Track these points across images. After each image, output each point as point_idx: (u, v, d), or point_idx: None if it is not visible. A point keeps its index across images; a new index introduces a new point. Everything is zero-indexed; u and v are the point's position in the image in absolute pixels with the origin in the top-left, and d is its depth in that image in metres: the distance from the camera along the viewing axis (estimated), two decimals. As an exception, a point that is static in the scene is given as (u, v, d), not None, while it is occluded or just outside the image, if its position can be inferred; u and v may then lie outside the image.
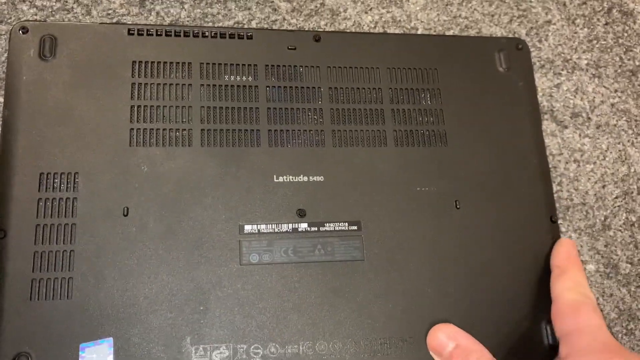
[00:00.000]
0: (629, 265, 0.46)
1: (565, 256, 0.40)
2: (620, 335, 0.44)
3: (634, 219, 0.47)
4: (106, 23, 0.43)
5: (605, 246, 0.46)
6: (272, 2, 0.48)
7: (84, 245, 0.36)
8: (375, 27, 0.49)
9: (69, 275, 0.36)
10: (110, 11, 0.45)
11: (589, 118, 0.50)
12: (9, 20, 0.43)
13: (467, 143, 0.44)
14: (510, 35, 0.51)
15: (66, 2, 0.44)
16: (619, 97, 0.51)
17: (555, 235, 0.43)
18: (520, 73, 0.47)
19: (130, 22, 0.45)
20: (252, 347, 0.36)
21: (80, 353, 0.35)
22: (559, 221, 0.46)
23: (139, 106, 0.40)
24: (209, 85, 0.41)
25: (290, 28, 0.47)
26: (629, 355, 0.32)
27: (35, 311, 0.35)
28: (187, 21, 0.46)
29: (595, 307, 0.36)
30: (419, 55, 0.45)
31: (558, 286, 0.38)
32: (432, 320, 0.39)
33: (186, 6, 0.46)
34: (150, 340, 0.35)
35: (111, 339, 0.35)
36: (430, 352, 0.37)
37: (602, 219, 0.47)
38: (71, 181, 0.38)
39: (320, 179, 0.41)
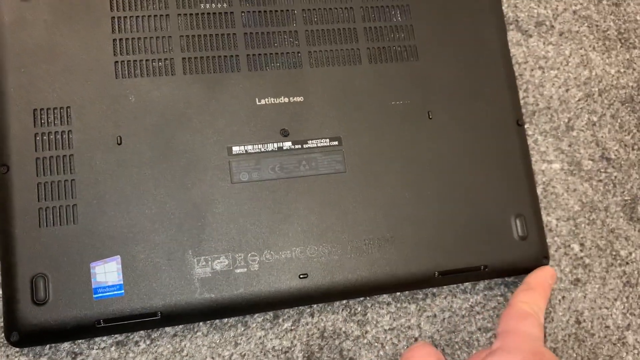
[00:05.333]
0: (591, 162, 0.50)
1: (540, 280, 0.42)
2: (583, 225, 0.48)
3: (595, 119, 0.51)
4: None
5: (569, 146, 0.50)
6: None
7: (84, 174, 0.39)
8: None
9: (73, 203, 0.38)
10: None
11: (552, 26, 0.52)
12: (-19, -38, 0.44)
13: (437, 56, 0.46)
14: (476, -51, 0.52)
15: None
16: (581, 4, 0.53)
17: (522, 138, 0.46)
18: (486, -15, 0.48)
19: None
20: (249, 255, 0.40)
21: (91, 271, 0.38)
22: (526, 125, 0.49)
23: (120, 39, 0.41)
24: (185, 14, 0.43)
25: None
26: None
27: (45, 237, 0.38)
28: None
29: (541, 325, 0.39)
30: (387, -27, 0.47)
31: (518, 297, 0.41)
32: (411, 219, 0.42)
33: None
34: (154, 256, 0.39)
35: (118, 256, 0.38)
36: None
37: (566, 120, 0.50)
38: (64, 115, 0.40)
39: (300, 99, 0.43)
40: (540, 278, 0.43)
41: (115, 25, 0.42)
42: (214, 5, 0.43)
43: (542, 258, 0.44)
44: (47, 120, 0.39)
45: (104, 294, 0.38)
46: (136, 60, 0.41)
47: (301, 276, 0.40)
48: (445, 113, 0.45)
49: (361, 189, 0.42)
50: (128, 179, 0.39)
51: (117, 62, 0.41)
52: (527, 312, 0.39)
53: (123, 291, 0.38)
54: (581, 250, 0.48)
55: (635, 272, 0.49)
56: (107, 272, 0.38)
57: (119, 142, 0.40)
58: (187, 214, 0.40)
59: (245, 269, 0.40)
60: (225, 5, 0.43)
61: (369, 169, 0.43)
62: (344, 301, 0.43)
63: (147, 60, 0.41)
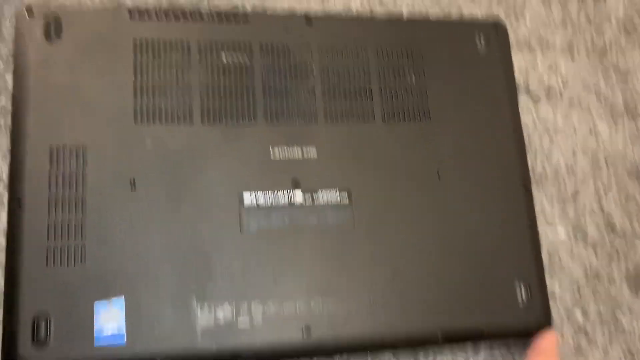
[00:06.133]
0: (596, 231, 0.50)
1: (546, 346, 0.43)
2: (586, 293, 0.48)
3: (601, 188, 0.52)
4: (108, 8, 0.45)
5: (575, 213, 0.50)
6: (265, -17, 0.50)
7: (95, 215, 0.39)
8: (361, 5, 0.51)
9: (82, 243, 0.39)
10: (110, -8, 0.47)
11: (562, 95, 0.53)
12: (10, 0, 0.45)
13: (449, 119, 0.47)
14: (490, 14, 0.54)
15: (67, -16, 0.46)
16: (590, 75, 0.54)
17: (529, 203, 0.46)
18: (499, 53, 0.50)
19: (131, 4, 0.47)
20: (253, 305, 0.40)
21: (94, 316, 0.38)
22: (534, 191, 0.50)
23: (141, 85, 0.42)
24: (207, 65, 0.44)
25: (283, 8, 0.50)
26: None
27: (51, 275, 0.38)
28: (184, 2, 0.48)
29: None
30: (404, 38, 0.48)
31: None
32: (416, 279, 0.42)
33: (183, -12, 0.48)
34: (158, 300, 0.38)
35: (122, 297, 0.38)
36: None
37: (573, 188, 0.51)
38: (80, 155, 0.40)
39: (313, 152, 0.44)
40: (548, 344, 0.43)
41: (138, 71, 0.43)
42: (235, 57, 0.44)
43: (544, 324, 0.44)
44: (63, 160, 0.40)
45: (106, 343, 0.37)
46: (155, 107, 0.42)
47: (304, 329, 0.40)
48: (454, 174, 0.46)
49: (368, 245, 0.43)
50: (138, 223, 0.40)
51: (136, 107, 0.42)
52: None
53: (124, 341, 0.37)
54: (584, 318, 0.48)
55: (638, 342, 0.48)
56: (110, 318, 0.38)
57: (132, 186, 0.40)
58: (194, 261, 0.40)
59: (248, 319, 0.39)
60: (246, 58, 0.45)
61: (376, 226, 0.43)
62: (345, 356, 0.43)
63: (166, 107, 0.42)
